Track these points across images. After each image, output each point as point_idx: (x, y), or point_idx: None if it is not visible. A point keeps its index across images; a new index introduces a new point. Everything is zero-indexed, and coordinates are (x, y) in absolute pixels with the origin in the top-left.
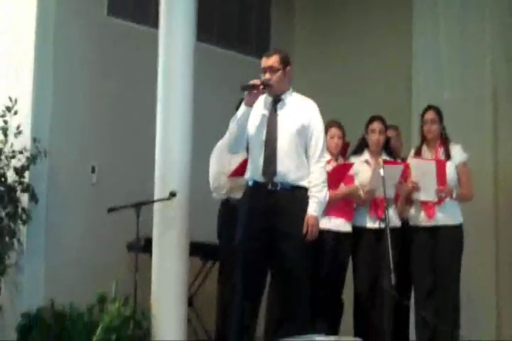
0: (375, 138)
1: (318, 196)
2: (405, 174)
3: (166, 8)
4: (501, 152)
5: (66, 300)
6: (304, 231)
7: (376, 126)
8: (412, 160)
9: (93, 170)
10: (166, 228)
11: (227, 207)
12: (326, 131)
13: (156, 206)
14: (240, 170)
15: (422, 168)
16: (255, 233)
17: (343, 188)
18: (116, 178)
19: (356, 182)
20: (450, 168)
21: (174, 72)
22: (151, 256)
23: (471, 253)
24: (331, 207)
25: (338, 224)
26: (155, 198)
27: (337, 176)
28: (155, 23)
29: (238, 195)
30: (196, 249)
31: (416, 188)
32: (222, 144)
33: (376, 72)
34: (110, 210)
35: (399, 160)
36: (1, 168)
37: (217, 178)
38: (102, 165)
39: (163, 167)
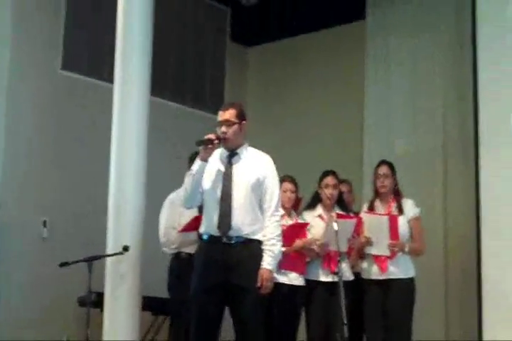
0: (328, 192)
1: (272, 249)
2: (358, 228)
3: (121, 62)
4: (451, 206)
5: None
6: (259, 284)
7: (330, 180)
8: (365, 215)
9: (44, 224)
10: (118, 283)
11: (178, 262)
12: (279, 186)
13: (109, 260)
14: (191, 225)
15: (375, 223)
16: (210, 286)
17: (297, 242)
18: (68, 232)
19: (309, 237)
20: (402, 222)
21: (128, 127)
22: (102, 310)
23: (422, 306)
24: (284, 261)
25: (291, 277)
26: (107, 252)
27: (292, 234)
28: (110, 78)
29: (188, 249)
30: (147, 304)
31: (369, 242)
32: (173, 198)
33: (328, 126)
34: (62, 265)
35: (351, 214)
36: None
37: (168, 233)
38: (54, 219)
39: (115, 221)
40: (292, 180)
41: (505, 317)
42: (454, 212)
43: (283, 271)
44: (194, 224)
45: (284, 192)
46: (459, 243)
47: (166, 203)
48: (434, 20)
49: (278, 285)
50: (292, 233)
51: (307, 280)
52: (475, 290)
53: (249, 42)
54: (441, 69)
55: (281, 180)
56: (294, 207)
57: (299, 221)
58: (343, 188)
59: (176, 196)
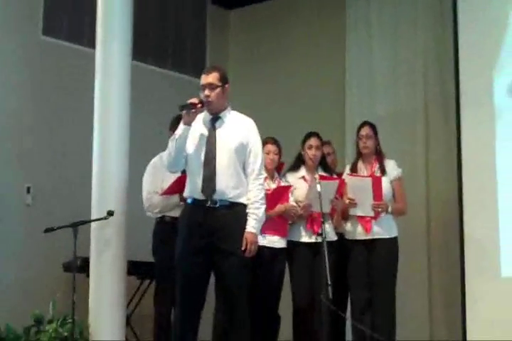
0: (311, 154)
1: (256, 213)
2: (340, 189)
3: (102, 27)
4: (433, 166)
5: (2, 321)
6: (243, 247)
7: (313, 142)
8: (348, 177)
9: (28, 190)
10: (103, 248)
11: (162, 225)
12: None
13: (93, 226)
14: (173, 188)
15: (358, 185)
16: (195, 249)
17: (279, 206)
18: (52, 199)
19: (292, 199)
20: (385, 183)
21: (111, 91)
22: (88, 276)
23: (405, 264)
24: (265, 225)
25: (273, 240)
26: (92, 218)
27: (275, 197)
28: (91, 43)
29: (172, 213)
30: (133, 268)
31: (352, 204)
32: (156, 162)
33: (310, 88)
34: (47, 230)
35: (334, 176)
36: None
37: (150, 197)
38: (38, 185)
39: (99, 186)
40: (275, 142)
41: (488, 316)
42: (436, 172)
43: (265, 235)
44: (176, 186)
45: (267, 154)
46: (441, 203)
47: (149, 168)
48: None
49: (260, 249)
50: (275, 196)
51: (290, 242)
52: (458, 247)
53: (230, 5)
54: (421, 31)
55: (264, 142)
56: (277, 169)
57: (282, 183)
58: (326, 149)
59: (158, 160)
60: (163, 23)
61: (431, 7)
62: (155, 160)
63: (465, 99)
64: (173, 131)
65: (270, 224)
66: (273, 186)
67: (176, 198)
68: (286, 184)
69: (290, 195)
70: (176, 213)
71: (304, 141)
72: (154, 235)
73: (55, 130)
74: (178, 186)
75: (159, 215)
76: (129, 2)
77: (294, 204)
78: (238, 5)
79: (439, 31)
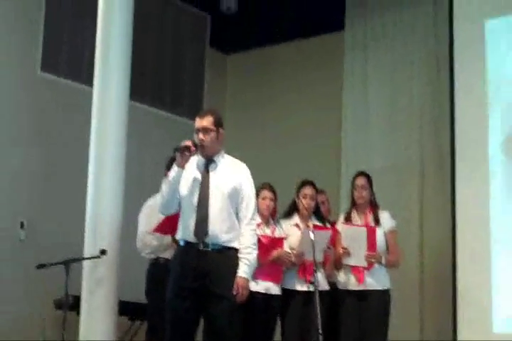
0: (306, 203)
1: (248, 258)
2: (333, 239)
3: (100, 67)
4: (427, 219)
5: None
6: (234, 292)
7: (308, 191)
8: (342, 226)
9: (22, 225)
10: (95, 286)
11: (156, 267)
12: (258, 193)
13: (86, 264)
14: (163, 226)
15: (352, 234)
16: (186, 292)
17: (273, 252)
18: (46, 235)
19: (286, 245)
20: (379, 234)
21: (107, 130)
22: (78, 314)
23: (397, 316)
24: (259, 271)
25: (267, 286)
26: (85, 256)
27: (269, 248)
28: (89, 81)
29: (166, 254)
30: (124, 308)
31: (346, 253)
32: (152, 203)
33: (306, 135)
34: (39, 267)
35: (328, 224)
36: None
37: (143, 237)
38: (32, 221)
39: (93, 224)
40: (271, 188)
41: (478, 317)
42: (430, 225)
43: (259, 281)
44: (166, 225)
45: (263, 199)
46: (435, 255)
47: (144, 208)
48: (412, 34)
49: (253, 294)
50: (270, 247)
51: (283, 289)
52: (451, 299)
53: (229, 50)
54: (418, 84)
55: (261, 188)
56: (272, 215)
57: (277, 229)
58: (320, 198)
59: (154, 202)
60: (162, 65)
61: (428, 58)
62: (151, 201)
63: (460, 152)
64: (168, 173)
65: (264, 270)
66: (268, 231)
67: (168, 239)
68: (281, 231)
69: (284, 241)
70: (170, 255)
71: (299, 190)
72: (148, 276)
73: (50, 166)
74: (169, 225)
75: (153, 256)
76: (128, 42)
77: (288, 250)
78: (236, 50)
79: (436, 84)
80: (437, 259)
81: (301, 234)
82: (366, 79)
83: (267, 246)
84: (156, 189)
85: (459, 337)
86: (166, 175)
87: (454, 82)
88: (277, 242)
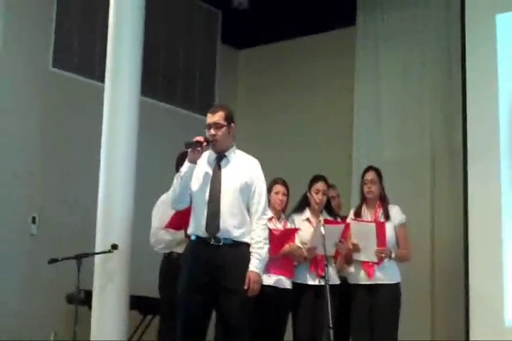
0: (318, 198)
1: (259, 252)
2: (345, 233)
3: (112, 61)
4: (438, 213)
5: None
6: (246, 286)
7: (320, 186)
8: (352, 222)
9: (34, 220)
10: (107, 281)
11: (169, 261)
12: (271, 188)
13: (97, 258)
14: (174, 222)
15: (362, 230)
16: (197, 287)
17: (284, 247)
18: (58, 229)
19: (297, 240)
20: (389, 228)
21: (119, 126)
22: (90, 308)
23: (408, 311)
24: (271, 265)
25: (278, 280)
26: (96, 250)
27: (282, 239)
28: (101, 76)
29: (179, 249)
30: (136, 303)
31: (356, 249)
32: (165, 198)
33: (317, 130)
34: (51, 261)
35: (339, 219)
36: None
37: (156, 233)
38: (43, 215)
39: (105, 219)
40: (284, 183)
41: (491, 318)
42: (441, 219)
43: (271, 275)
44: (177, 221)
45: (276, 194)
46: (446, 250)
47: (158, 203)
48: (424, 28)
49: (265, 288)
50: (282, 239)
51: (295, 284)
52: (462, 295)
53: (240, 45)
54: (430, 77)
55: (274, 182)
56: (284, 210)
57: (289, 224)
58: (331, 193)
59: (166, 197)
60: (174, 60)
61: (440, 53)
62: (164, 197)
63: (472, 149)
64: (178, 169)
65: (276, 264)
66: (279, 226)
67: (181, 234)
68: (293, 226)
69: (296, 236)
70: (183, 249)
71: (311, 185)
72: (161, 271)
73: (62, 161)
74: (181, 221)
75: (166, 251)
76: (140, 38)
77: (300, 245)
78: (248, 45)
79: (447, 77)
80: (449, 254)
81: (314, 228)
82: (378, 73)
83: (279, 237)
84: (167, 184)
85: (471, 333)
86: (177, 171)
87: (465, 75)
88: (290, 233)
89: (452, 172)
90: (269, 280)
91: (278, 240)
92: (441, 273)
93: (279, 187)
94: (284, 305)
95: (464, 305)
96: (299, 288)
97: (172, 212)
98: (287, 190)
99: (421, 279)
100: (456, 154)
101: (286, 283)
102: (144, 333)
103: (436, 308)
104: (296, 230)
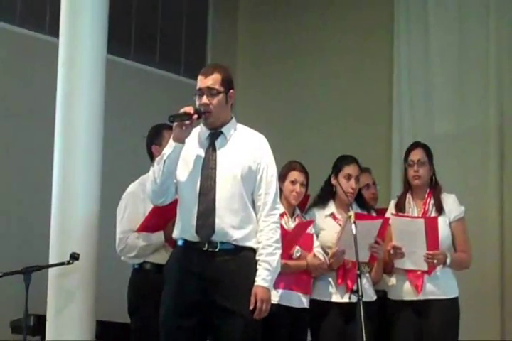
0: (351, 186)
1: (269, 261)
2: (383, 231)
3: (67, 10)
4: (508, 203)
5: None
6: (251, 306)
7: (352, 170)
8: (393, 218)
9: None
10: (65, 303)
11: (142, 275)
12: (286, 175)
13: (52, 272)
14: (150, 223)
15: (406, 228)
16: (186, 308)
17: (299, 262)
18: (2, 238)
19: (317, 244)
20: (443, 226)
21: (78, 95)
22: (42, 339)
23: (470, 332)
24: (282, 277)
25: (290, 298)
26: (50, 262)
27: (293, 237)
28: (52, 30)
29: (155, 258)
30: (103, 331)
31: (399, 254)
32: (134, 190)
33: (343, 99)
34: None
35: (374, 214)
36: None
37: (125, 237)
38: None
39: (60, 221)
40: (303, 169)
41: None
42: None
43: (281, 290)
44: (154, 220)
45: (292, 183)
46: None
47: (125, 197)
48: None
49: (275, 308)
50: (292, 237)
51: (315, 302)
52: None
53: None
54: (494, 31)
55: (289, 168)
56: (301, 204)
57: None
58: (364, 179)
59: (137, 188)
60: (152, 8)
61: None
62: (133, 186)
63: None
64: (151, 149)
65: (288, 276)
66: (292, 226)
67: (159, 236)
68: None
69: (315, 238)
70: (160, 258)
71: (339, 169)
72: (131, 288)
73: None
74: (161, 220)
75: (137, 261)
76: None
77: (321, 255)
78: None
79: None
80: None
81: (342, 226)
82: (426, 25)
83: (287, 236)
84: (143, 172)
85: None
86: (150, 152)
87: None
88: (302, 229)
89: None
90: (277, 297)
91: (287, 242)
92: None
93: (296, 175)
94: (299, 330)
95: None
96: (321, 307)
97: (145, 209)
98: (307, 178)
99: (487, 291)
100: None
101: (301, 301)
102: None
103: (507, 326)
104: (310, 223)
